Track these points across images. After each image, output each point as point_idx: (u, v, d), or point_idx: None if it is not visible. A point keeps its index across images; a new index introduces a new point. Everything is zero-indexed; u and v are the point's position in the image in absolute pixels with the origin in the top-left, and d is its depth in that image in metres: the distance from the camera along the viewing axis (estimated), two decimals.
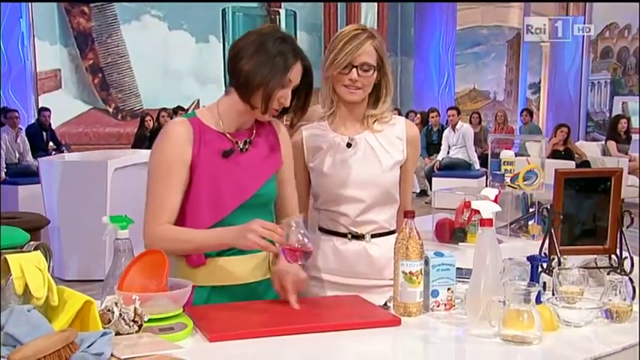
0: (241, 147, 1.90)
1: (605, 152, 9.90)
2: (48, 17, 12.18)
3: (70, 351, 1.33)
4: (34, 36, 11.75)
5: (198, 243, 1.83)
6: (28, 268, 1.44)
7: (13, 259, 1.44)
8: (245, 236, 1.70)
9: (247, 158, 1.90)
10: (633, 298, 1.80)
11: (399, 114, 11.96)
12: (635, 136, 10.49)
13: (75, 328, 1.41)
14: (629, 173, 9.42)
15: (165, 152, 1.85)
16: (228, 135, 1.90)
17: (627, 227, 1.92)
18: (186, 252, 1.85)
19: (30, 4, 11.51)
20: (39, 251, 1.51)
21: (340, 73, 2.01)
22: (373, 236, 2.09)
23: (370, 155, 2.08)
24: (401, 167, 2.12)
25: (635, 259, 1.98)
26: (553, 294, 1.81)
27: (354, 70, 1.99)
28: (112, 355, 1.38)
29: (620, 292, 1.71)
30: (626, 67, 13.31)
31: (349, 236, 2.09)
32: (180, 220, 1.87)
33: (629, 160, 9.52)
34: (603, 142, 10.29)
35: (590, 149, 9.91)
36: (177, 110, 11.03)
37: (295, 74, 1.84)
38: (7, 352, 1.30)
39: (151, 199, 1.85)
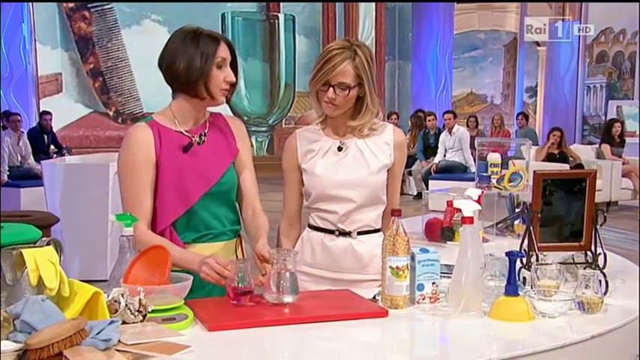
0: (198, 140, 2.08)
1: (600, 155, 10.00)
2: (49, 21, 12.30)
3: (81, 337, 1.43)
4: (35, 40, 11.86)
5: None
6: (42, 261, 1.55)
7: (27, 253, 1.55)
8: (201, 268, 1.86)
9: (205, 150, 2.08)
10: (606, 292, 1.92)
11: (397, 117, 12.14)
12: (629, 140, 10.61)
13: (85, 317, 1.52)
14: (622, 176, 9.54)
15: (132, 157, 2.02)
16: (184, 132, 2.07)
17: (601, 225, 2.04)
18: None
19: (32, 9, 11.61)
20: (51, 246, 1.62)
21: (320, 90, 2.15)
22: (359, 233, 2.22)
23: (359, 158, 2.21)
24: (388, 171, 2.25)
25: (609, 254, 2.10)
26: (532, 288, 1.92)
27: (331, 89, 2.12)
28: (119, 341, 1.48)
29: (592, 285, 1.83)
30: (621, 72, 13.44)
31: (337, 233, 2.22)
32: (151, 215, 2.03)
33: (623, 164, 9.64)
34: (597, 146, 10.40)
35: (584, 152, 10.02)
36: None
37: (225, 52, 2.04)
38: (23, 338, 1.41)
39: (126, 204, 2.02)
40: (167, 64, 2.02)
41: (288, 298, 1.82)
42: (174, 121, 2.07)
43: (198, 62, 1.99)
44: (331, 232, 2.23)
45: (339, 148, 2.22)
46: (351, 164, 2.20)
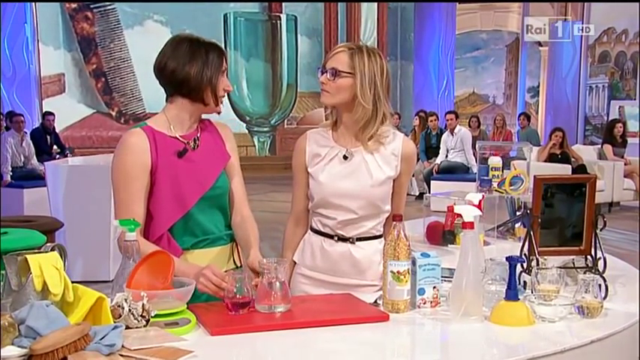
0: (192, 145, 2.11)
1: (602, 156, 9.99)
2: (52, 22, 12.33)
3: (85, 342, 1.45)
4: (38, 41, 11.90)
5: None
6: (46, 267, 1.57)
7: (32, 259, 1.57)
8: (198, 280, 1.86)
9: (199, 155, 2.11)
10: (605, 296, 1.93)
11: (399, 118, 12.14)
12: (631, 140, 10.60)
13: (88, 322, 1.53)
14: (625, 177, 9.53)
15: (126, 162, 2.03)
16: (179, 137, 2.09)
17: (601, 230, 2.05)
18: None
19: (35, 9, 11.64)
20: (55, 252, 1.64)
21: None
22: (359, 239, 2.23)
23: (363, 169, 2.20)
24: (394, 180, 2.24)
25: (609, 258, 2.11)
26: (532, 292, 1.94)
27: (325, 74, 2.16)
28: (122, 346, 1.50)
29: (591, 290, 1.84)
30: (623, 72, 13.44)
31: (336, 238, 2.23)
32: (147, 221, 2.05)
33: (625, 164, 9.63)
34: (599, 146, 10.39)
35: (586, 153, 10.00)
36: None
37: (226, 62, 2.11)
38: (28, 343, 1.43)
39: (119, 210, 2.02)
40: (172, 70, 2.04)
41: (279, 308, 1.82)
42: (169, 127, 2.09)
43: (209, 71, 2.04)
44: (331, 236, 2.24)
45: (345, 157, 2.22)
46: (354, 174, 2.20)
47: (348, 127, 2.22)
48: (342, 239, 2.23)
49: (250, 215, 2.19)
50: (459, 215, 1.93)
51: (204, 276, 1.86)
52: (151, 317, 1.66)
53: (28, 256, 1.58)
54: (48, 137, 9.79)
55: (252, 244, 2.06)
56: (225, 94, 2.11)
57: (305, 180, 2.27)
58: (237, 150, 2.26)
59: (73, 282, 1.63)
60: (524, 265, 2.01)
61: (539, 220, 2.03)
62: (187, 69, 2.03)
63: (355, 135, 2.22)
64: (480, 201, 2.58)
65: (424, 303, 1.92)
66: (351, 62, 2.14)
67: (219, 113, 2.15)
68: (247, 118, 14.36)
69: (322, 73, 2.17)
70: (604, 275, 2.01)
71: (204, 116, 2.18)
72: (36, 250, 1.63)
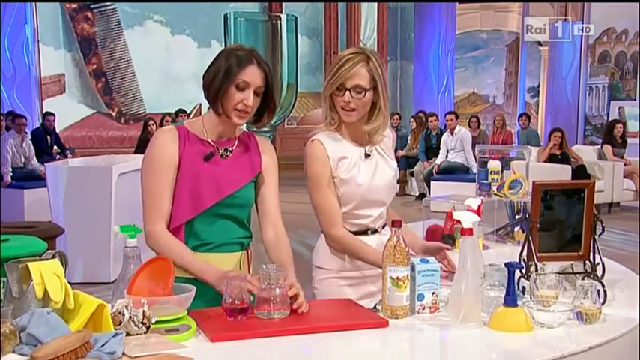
0: (222, 153, 2.11)
1: (601, 156, 9.99)
2: (52, 23, 12.33)
3: (86, 350, 1.46)
4: (38, 41, 11.90)
5: (186, 264, 1.97)
6: (47, 274, 1.58)
7: (33, 266, 1.58)
8: (223, 283, 1.85)
9: (227, 164, 2.11)
10: (604, 302, 1.94)
11: (400, 118, 12.13)
12: (631, 141, 10.60)
13: (89, 329, 1.54)
14: (624, 177, 9.53)
15: (155, 156, 2.07)
16: (210, 142, 2.10)
17: (599, 235, 2.05)
18: (174, 262, 1.91)
19: (35, 10, 11.64)
20: (56, 259, 1.65)
21: (335, 95, 2.18)
22: (382, 228, 2.34)
23: (383, 163, 2.32)
24: None
25: (608, 262, 2.12)
26: (531, 298, 1.94)
27: (347, 92, 2.15)
28: (123, 353, 1.51)
29: (590, 295, 1.85)
30: (623, 72, 13.45)
31: (369, 232, 2.30)
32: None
33: (625, 164, 9.63)
34: (599, 147, 10.39)
35: (586, 153, 9.99)
36: (178, 113, 11.19)
37: (250, 76, 2.03)
38: (29, 350, 1.44)
39: (147, 201, 2.06)
40: (203, 75, 2.08)
41: (277, 314, 1.83)
42: (203, 132, 2.11)
43: (219, 78, 2.02)
44: (364, 232, 2.30)
45: (367, 155, 2.28)
46: (379, 169, 2.29)
47: (356, 127, 2.25)
48: (374, 231, 2.31)
49: (284, 232, 2.16)
50: (459, 221, 1.94)
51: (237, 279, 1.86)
52: (152, 324, 1.67)
53: (29, 263, 1.59)
54: (48, 138, 9.80)
55: (287, 268, 2.01)
56: (244, 108, 2.03)
57: (333, 185, 2.24)
58: (275, 167, 2.20)
59: (73, 283, 1.64)
60: (523, 270, 2.02)
61: (538, 223, 2.04)
62: (207, 76, 2.05)
63: (364, 134, 2.27)
64: (479, 206, 2.58)
65: (423, 308, 1.93)
66: (371, 74, 2.17)
67: (239, 126, 2.12)
68: None
69: (343, 92, 2.15)
70: (602, 280, 2.01)
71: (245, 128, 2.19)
72: (37, 257, 1.64)
